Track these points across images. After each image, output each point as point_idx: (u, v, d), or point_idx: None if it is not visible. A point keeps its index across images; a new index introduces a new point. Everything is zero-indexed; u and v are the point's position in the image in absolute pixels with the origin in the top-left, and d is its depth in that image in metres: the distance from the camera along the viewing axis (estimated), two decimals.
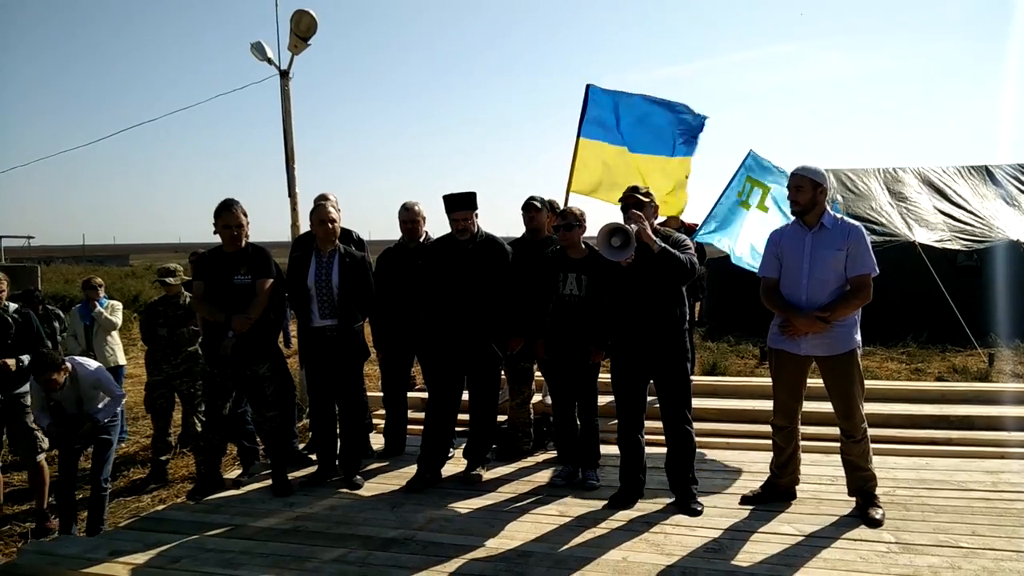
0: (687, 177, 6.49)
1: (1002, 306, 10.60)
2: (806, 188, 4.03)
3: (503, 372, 5.18)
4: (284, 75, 7.05)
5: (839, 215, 4.15)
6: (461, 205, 4.77)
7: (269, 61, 7.01)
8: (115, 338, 7.19)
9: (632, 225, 4.01)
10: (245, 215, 4.76)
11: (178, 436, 6.19)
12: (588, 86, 6.39)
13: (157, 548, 3.96)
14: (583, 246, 4.75)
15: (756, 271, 5.67)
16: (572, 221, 4.75)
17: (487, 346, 4.82)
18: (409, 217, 5.39)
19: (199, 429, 5.78)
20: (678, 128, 6.44)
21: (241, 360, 4.75)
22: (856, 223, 4.07)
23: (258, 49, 6.99)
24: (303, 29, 6.79)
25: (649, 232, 4.02)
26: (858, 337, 4.02)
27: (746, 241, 5.88)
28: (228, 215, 4.68)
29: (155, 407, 5.88)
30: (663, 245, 4.03)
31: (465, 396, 5.01)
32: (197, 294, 4.86)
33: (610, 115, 6.42)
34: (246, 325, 4.66)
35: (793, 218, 4.22)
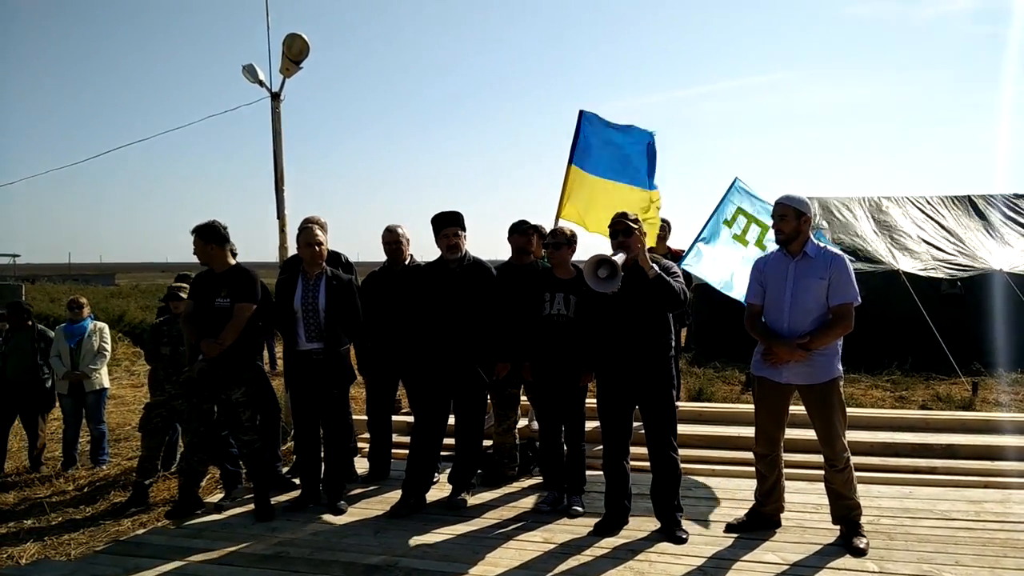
0: (657, 209, 6.51)
1: (986, 335, 10.68)
2: (790, 217, 4.08)
3: (489, 397, 5.18)
4: (275, 97, 7.08)
5: (823, 244, 4.20)
6: (450, 222, 4.81)
7: (261, 83, 7.04)
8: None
9: (619, 255, 4.05)
10: (216, 240, 4.82)
11: (161, 459, 6.11)
12: (581, 112, 6.42)
13: (136, 573, 3.92)
14: (571, 267, 4.78)
15: (738, 297, 5.70)
16: (560, 240, 4.78)
17: (473, 371, 4.81)
18: (392, 239, 5.42)
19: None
20: (648, 158, 6.49)
21: (212, 384, 4.73)
22: (839, 252, 4.12)
23: (250, 71, 7.02)
24: (295, 52, 6.84)
25: (645, 256, 4.06)
26: (840, 366, 4.05)
27: (727, 269, 5.93)
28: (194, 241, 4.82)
29: (149, 426, 5.81)
30: (658, 271, 4.07)
31: (450, 421, 5.00)
32: (185, 314, 4.88)
33: (600, 143, 6.44)
34: (215, 350, 4.65)
35: (776, 247, 4.27)
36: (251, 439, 4.87)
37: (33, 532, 5.20)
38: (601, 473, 4.52)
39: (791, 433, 4.35)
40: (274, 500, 4.98)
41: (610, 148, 6.42)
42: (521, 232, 5.25)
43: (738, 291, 5.83)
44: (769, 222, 5.94)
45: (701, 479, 5.35)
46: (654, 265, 4.09)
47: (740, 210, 6.09)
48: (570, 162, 6.31)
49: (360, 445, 6.06)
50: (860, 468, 4.63)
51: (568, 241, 4.80)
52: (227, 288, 4.76)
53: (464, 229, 4.86)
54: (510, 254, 5.38)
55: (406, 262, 5.45)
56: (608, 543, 4.19)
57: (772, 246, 5.88)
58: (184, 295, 6.07)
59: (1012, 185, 14.73)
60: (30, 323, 7.08)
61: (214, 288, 4.77)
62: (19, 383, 6.85)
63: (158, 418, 5.82)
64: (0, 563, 4.65)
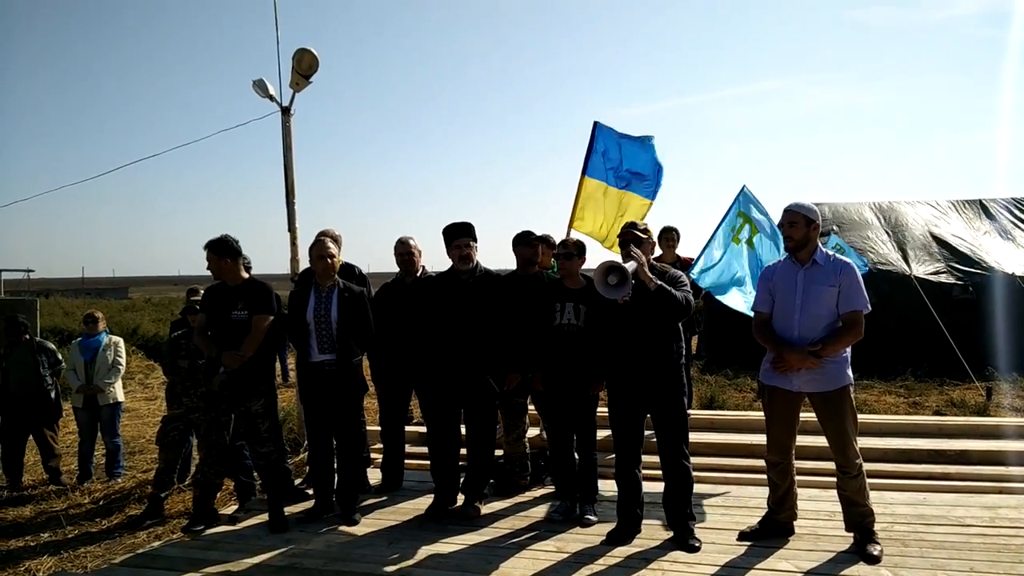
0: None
1: (999, 339, 10.61)
2: (800, 224, 4.08)
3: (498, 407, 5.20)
4: (286, 112, 7.14)
5: (831, 252, 4.20)
6: (461, 233, 4.86)
7: (271, 98, 7.10)
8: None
9: (629, 263, 4.07)
10: (229, 254, 4.87)
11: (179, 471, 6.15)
12: (596, 123, 6.43)
13: None
14: (581, 277, 4.81)
15: (742, 310, 5.70)
16: (571, 250, 4.82)
17: (484, 381, 4.84)
18: (404, 250, 5.47)
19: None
20: (654, 168, 6.51)
21: (233, 396, 4.77)
22: (848, 260, 4.12)
23: (260, 86, 7.08)
24: (304, 67, 6.90)
25: (647, 270, 4.08)
26: (850, 373, 4.05)
27: (733, 278, 5.94)
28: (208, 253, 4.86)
29: (167, 439, 5.85)
30: (659, 283, 4.08)
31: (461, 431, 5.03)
32: (198, 327, 4.93)
33: (614, 154, 6.45)
34: (236, 362, 4.70)
35: (784, 254, 4.27)
36: (268, 450, 4.91)
37: (50, 545, 5.24)
38: (613, 482, 4.53)
39: (803, 440, 4.34)
40: (287, 511, 5.00)
41: (624, 160, 6.44)
42: (527, 243, 5.26)
43: (730, 295, 5.85)
44: (764, 228, 5.94)
45: (714, 487, 5.34)
46: (654, 278, 4.11)
47: (741, 213, 6.10)
48: (583, 173, 6.33)
49: (373, 456, 6.08)
50: (874, 475, 4.62)
51: (579, 252, 4.84)
52: (244, 301, 4.81)
53: (475, 240, 4.91)
54: (515, 265, 5.39)
55: (418, 273, 5.49)
56: (621, 552, 4.19)
57: (760, 248, 5.88)
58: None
59: (1013, 188, 14.63)
60: (27, 337, 7.14)
61: (230, 301, 4.82)
62: (24, 397, 6.91)
63: (175, 431, 5.85)
64: None
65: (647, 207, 6.46)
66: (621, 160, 6.45)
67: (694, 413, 6.62)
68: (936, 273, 11.47)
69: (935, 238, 12.53)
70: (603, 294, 4.09)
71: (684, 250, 6.79)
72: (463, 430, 5.04)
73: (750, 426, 6.41)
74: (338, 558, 4.27)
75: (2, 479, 6.98)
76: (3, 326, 7.15)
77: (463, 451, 5.11)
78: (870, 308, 3.98)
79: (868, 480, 4.11)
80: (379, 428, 5.77)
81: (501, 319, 4.84)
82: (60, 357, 7.22)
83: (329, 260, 4.91)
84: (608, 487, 4.86)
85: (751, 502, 4.92)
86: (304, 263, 6.08)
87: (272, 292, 4.92)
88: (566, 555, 4.18)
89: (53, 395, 7.08)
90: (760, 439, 4.99)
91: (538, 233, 5.41)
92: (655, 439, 4.40)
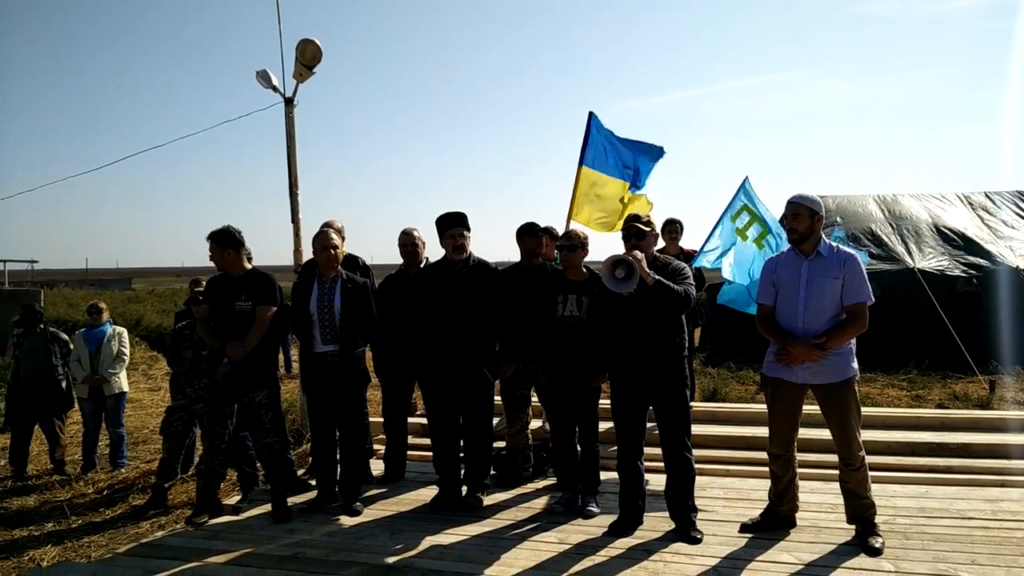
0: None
1: (1003, 333, 10.59)
2: (803, 216, 4.07)
3: (500, 398, 5.20)
4: (289, 103, 7.14)
5: (835, 244, 4.18)
6: (455, 223, 4.86)
7: (275, 89, 7.10)
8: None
9: (635, 255, 4.07)
10: (232, 245, 4.87)
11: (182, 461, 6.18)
12: (591, 113, 6.42)
13: (156, 575, 3.96)
14: (584, 269, 4.80)
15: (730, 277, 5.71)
16: (575, 242, 4.80)
17: (478, 370, 4.84)
18: (408, 241, 5.46)
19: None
20: (648, 167, 6.56)
21: (237, 387, 4.79)
22: (852, 251, 4.10)
23: (264, 77, 7.08)
24: (308, 58, 6.89)
25: (644, 266, 4.06)
26: (855, 365, 4.04)
27: (734, 267, 5.94)
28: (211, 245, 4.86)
29: (170, 430, 5.87)
30: (657, 278, 4.07)
31: None
32: (201, 317, 4.94)
33: (609, 146, 6.47)
34: (240, 353, 4.70)
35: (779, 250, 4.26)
36: (272, 441, 4.93)
37: (54, 535, 5.28)
38: (615, 474, 4.54)
39: (806, 433, 4.34)
40: (290, 501, 5.02)
41: (616, 151, 6.46)
42: (532, 234, 5.26)
43: (734, 277, 5.88)
44: (771, 224, 5.93)
45: (716, 479, 5.34)
46: (651, 273, 4.10)
47: (746, 207, 6.09)
48: (580, 164, 6.33)
49: (376, 447, 6.09)
50: (876, 468, 4.61)
51: (582, 244, 4.82)
52: (247, 292, 4.82)
53: (469, 230, 4.90)
54: (519, 256, 5.38)
55: (421, 265, 5.49)
56: (623, 543, 4.20)
57: (770, 249, 5.88)
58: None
59: (1017, 181, 14.61)
60: (42, 326, 7.18)
61: (233, 292, 4.83)
62: (35, 386, 6.95)
63: (179, 422, 5.88)
64: (22, 566, 4.72)
65: (648, 205, 6.51)
66: (622, 154, 6.48)
67: (696, 405, 6.63)
68: (940, 266, 11.44)
69: (939, 231, 12.49)
70: (610, 287, 4.08)
71: (687, 243, 6.79)
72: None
73: (752, 419, 6.41)
74: (341, 548, 4.28)
75: (7, 468, 7.03)
76: (20, 314, 7.21)
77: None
78: (874, 300, 3.97)
79: (870, 473, 4.11)
80: (382, 419, 5.79)
81: (495, 309, 4.85)
82: (72, 347, 7.26)
83: (332, 251, 4.91)
84: (610, 478, 4.87)
85: (753, 494, 4.92)
86: (307, 254, 6.08)
87: (275, 283, 4.92)
88: (568, 546, 4.19)
89: (64, 385, 7.13)
90: (762, 432, 5.00)
91: (542, 225, 5.42)
92: (657, 431, 4.40)
